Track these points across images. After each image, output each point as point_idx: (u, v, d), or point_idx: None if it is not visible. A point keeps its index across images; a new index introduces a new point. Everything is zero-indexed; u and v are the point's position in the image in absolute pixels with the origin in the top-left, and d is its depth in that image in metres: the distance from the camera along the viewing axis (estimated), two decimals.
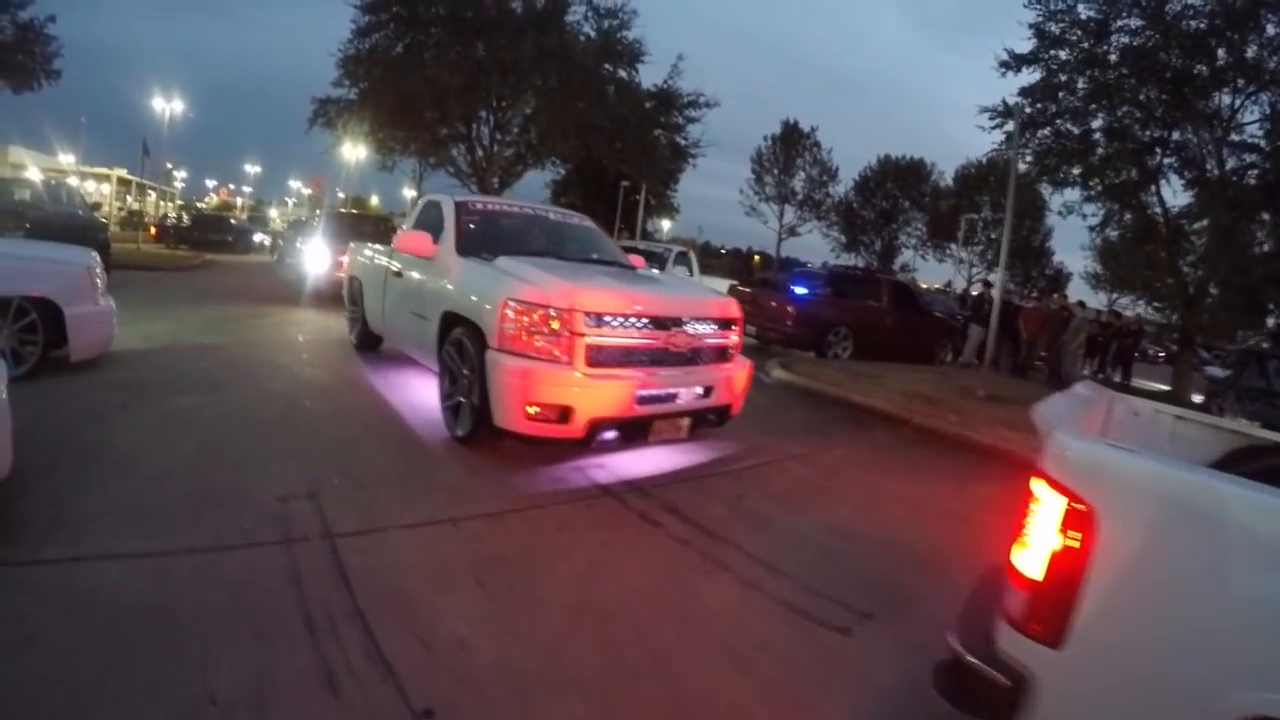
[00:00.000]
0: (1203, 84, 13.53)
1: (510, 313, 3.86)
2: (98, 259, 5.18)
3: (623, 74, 18.15)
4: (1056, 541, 1.46)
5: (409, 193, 44.74)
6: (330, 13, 19.13)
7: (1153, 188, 15.19)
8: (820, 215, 42.97)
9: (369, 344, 6.79)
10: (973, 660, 1.58)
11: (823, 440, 5.74)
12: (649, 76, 19.12)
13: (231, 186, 69.33)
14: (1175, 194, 15.20)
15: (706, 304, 4.60)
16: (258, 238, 26.64)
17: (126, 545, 2.60)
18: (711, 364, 4.51)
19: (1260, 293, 12.86)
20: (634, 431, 4.12)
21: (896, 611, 2.89)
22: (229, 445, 3.78)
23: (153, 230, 23.87)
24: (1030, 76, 14.96)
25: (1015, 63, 14.85)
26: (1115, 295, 38.32)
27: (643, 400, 4.01)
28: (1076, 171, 15.58)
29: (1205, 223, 14.65)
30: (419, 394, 5.31)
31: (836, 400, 7.57)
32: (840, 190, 43.70)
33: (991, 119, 15.82)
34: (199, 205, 50.68)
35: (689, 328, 4.29)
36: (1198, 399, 12.59)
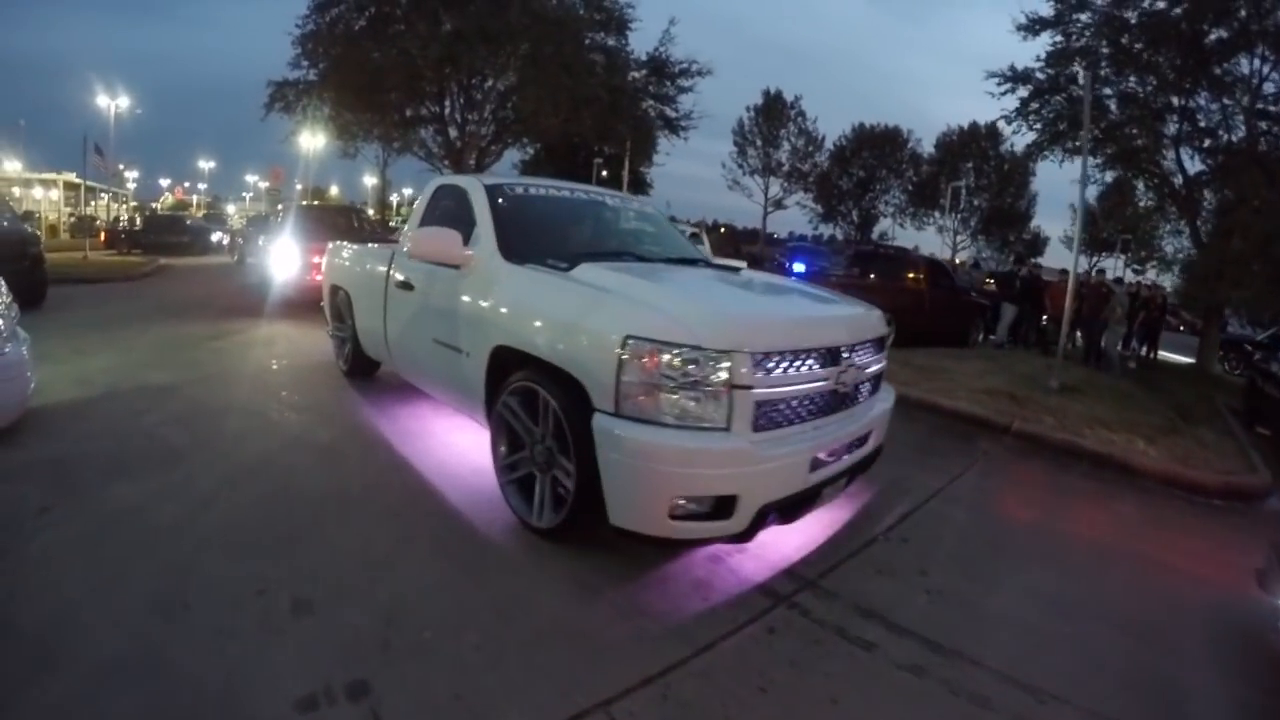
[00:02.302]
0: (1223, 50, 13.10)
1: (637, 359, 2.52)
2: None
3: (612, 42, 16.63)
4: None
5: (370, 180, 42.97)
6: (279, 4, 17.28)
7: (1170, 154, 14.80)
8: (807, 187, 42.20)
9: (362, 370, 5.45)
10: None
11: (940, 461, 5.01)
12: (636, 45, 17.63)
13: (186, 185, 66.35)
14: (1192, 161, 14.76)
15: (866, 320, 3.34)
16: (216, 237, 24.87)
17: None
18: (869, 400, 3.32)
19: None
20: (800, 509, 2.87)
21: None
22: (200, 587, 2.45)
23: (102, 235, 22.04)
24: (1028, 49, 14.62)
25: (1036, 26, 14.50)
26: (1095, 258, 38.52)
27: (815, 465, 2.80)
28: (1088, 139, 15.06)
29: (1226, 193, 14.17)
30: (450, 448, 4.05)
31: (919, 404, 6.68)
32: (824, 160, 43.06)
33: (1000, 84, 15.29)
34: (153, 206, 47.72)
35: (857, 357, 3.08)
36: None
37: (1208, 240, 13.62)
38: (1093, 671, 2.55)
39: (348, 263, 5.54)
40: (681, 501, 2.51)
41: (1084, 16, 14.14)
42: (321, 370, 5.77)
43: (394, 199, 41.73)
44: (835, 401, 2.98)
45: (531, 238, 3.67)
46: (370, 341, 4.99)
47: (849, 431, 3.05)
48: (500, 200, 3.86)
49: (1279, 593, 2.79)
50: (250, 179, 63.10)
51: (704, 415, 2.54)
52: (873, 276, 11.78)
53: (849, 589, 2.87)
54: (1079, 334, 13.20)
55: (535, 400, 2.95)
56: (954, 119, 77.52)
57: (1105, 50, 14.00)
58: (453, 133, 17.69)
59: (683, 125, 18.87)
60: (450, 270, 3.64)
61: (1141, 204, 16.96)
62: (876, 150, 43.09)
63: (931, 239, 42.13)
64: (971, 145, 40.25)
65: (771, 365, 2.66)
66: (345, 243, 5.93)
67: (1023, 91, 15.36)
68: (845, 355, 2.99)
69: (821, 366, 2.88)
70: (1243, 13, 12.56)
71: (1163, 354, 16.02)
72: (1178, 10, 12.84)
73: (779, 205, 42.38)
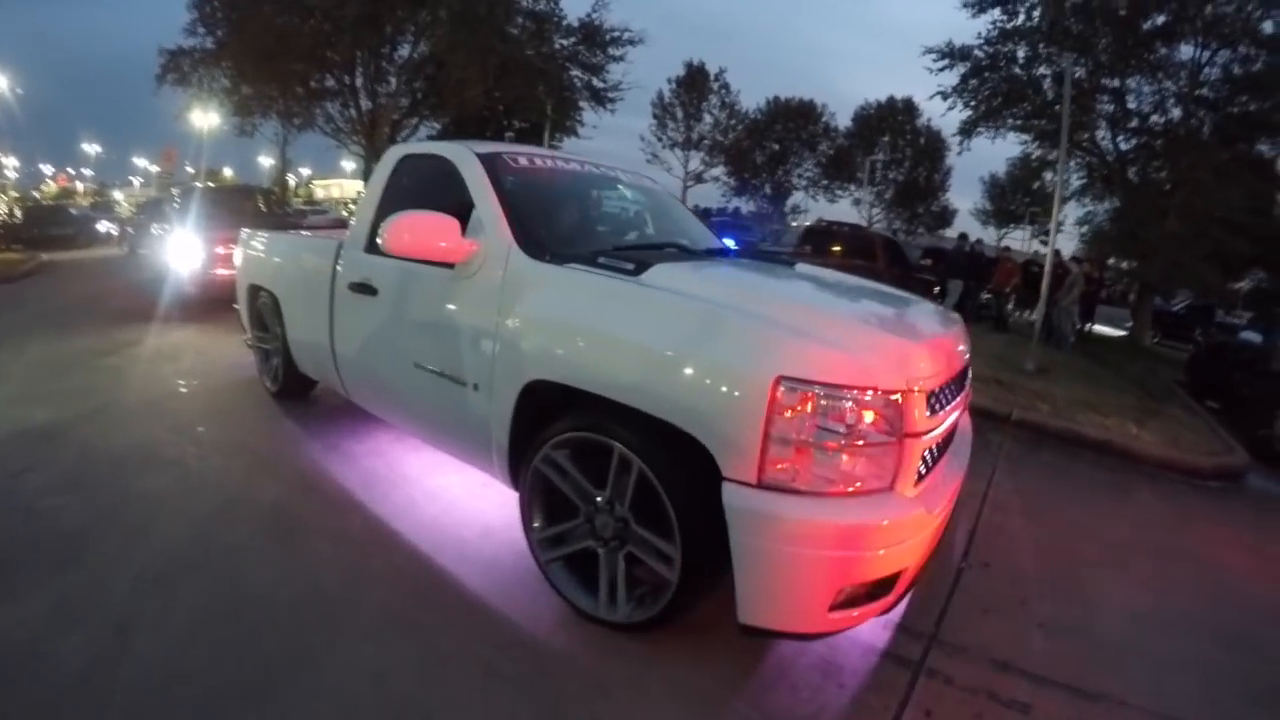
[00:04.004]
0: (1162, 36, 13.65)
1: (795, 409, 1.83)
2: None
3: (542, 5, 15.46)
4: None
5: (267, 161, 39.95)
6: None
7: (1102, 134, 15.39)
8: (729, 160, 41.74)
9: (296, 389, 4.45)
10: None
11: None
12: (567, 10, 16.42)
13: (70, 171, 60.96)
14: (1127, 142, 15.36)
15: (962, 336, 2.74)
16: (104, 227, 22.01)
17: None
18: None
19: (1222, 242, 12.86)
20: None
21: None
22: None
23: None
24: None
25: (980, 3, 14.81)
26: (1004, 229, 40.37)
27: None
28: (1020, 115, 15.74)
29: (1160, 174, 14.76)
30: (439, 500, 3.20)
31: None
32: (740, 133, 42.58)
33: (936, 60, 15.43)
34: (34, 195, 42.58)
35: (966, 383, 2.52)
36: None
37: (1141, 219, 14.02)
38: (1220, 693, 2.55)
39: (272, 257, 4.49)
40: (848, 588, 1.90)
41: None
42: (244, 391, 4.71)
43: (291, 180, 38.80)
44: (950, 434, 2.41)
45: (557, 226, 2.88)
46: (309, 358, 4.01)
47: (960, 464, 2.50)
48: (504, 175, 2.95)
49: None
50: (140, 163, 59.41)
51: (869, 475, 1.90)
52: (826, 254, 11.45)
53: (970, 639, 2.57)
54: (1029, 311, 13.46)
55: (601, 457, 2.19)
56: (869, 93, 79.36)
57: (1044, 30, 14.21)
58: (366, 104, 16.13)
59: (610, 97, 17.90)
60: (439, 270, 2.74)
61: (1069, 181, 17.32)
62: (791, 124, 43.06)
63: (845, 210, 42.77)
64: (888, 119, 40.88)
65: (935, 401, 2.06)
66: (267, 231, 4.89)
67: (961, 68, 15.44)
68: (964, 383, 2.45)
69: (956, 394, 2.33)
70: (1176, 4, 13.03)
71: (1104, 328, 16.63)
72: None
73: (699, 179, 41.87)
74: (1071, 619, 2.85)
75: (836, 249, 11.66)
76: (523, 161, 3.17)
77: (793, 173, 43.79)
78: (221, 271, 7.29)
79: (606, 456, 2.17)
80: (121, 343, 5.99)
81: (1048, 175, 19.86)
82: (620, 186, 3.76)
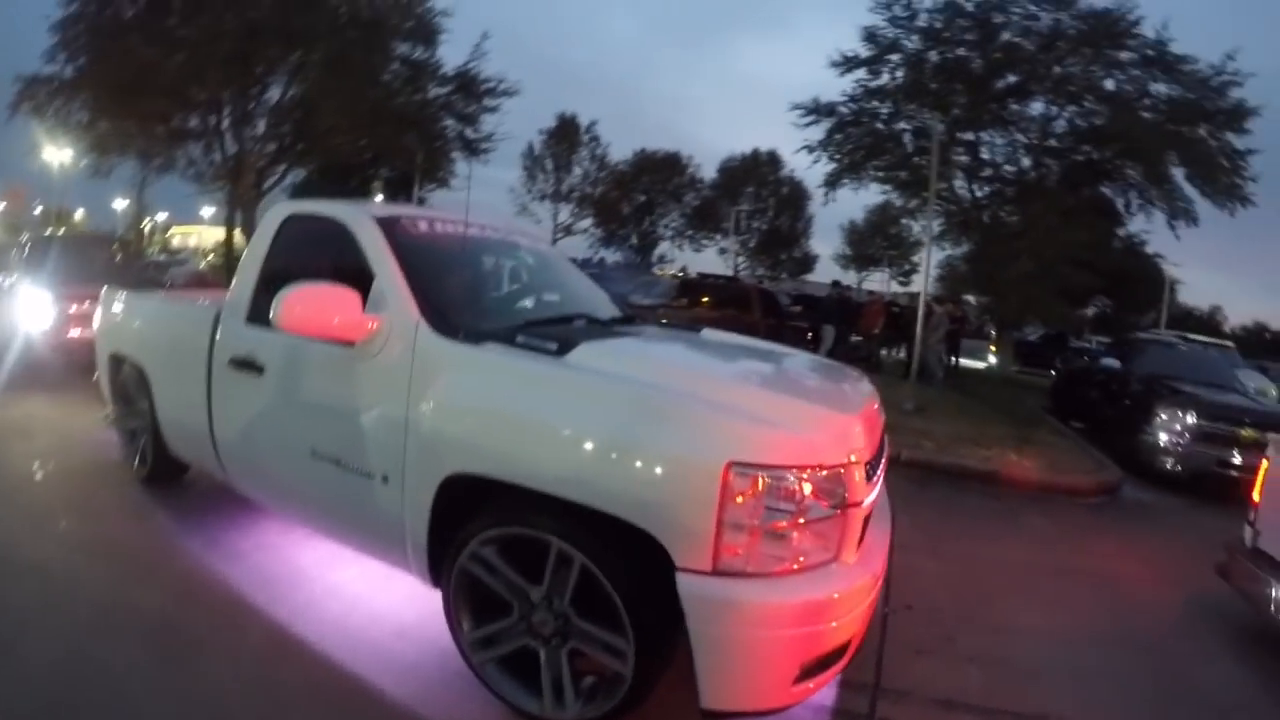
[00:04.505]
0: (1012, 93, 15.29)
1: (746, 493, 1.81)
2: None
3: (418, 53, 15.18)
4: None
5: (121, 203, 36.71)
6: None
7: (960, 183, 16.91)
8: (596, 211, 42.29)
9: (166, 473, 3.96)
10: None
11: None
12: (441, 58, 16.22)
13: None
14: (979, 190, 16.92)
15: (877, 398, 2.85)
16: None
17: None
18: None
19: (1069, 277, 14.46)
20: None
21: None
22: None
23: None
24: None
25: (848, 64, 16.03)
26: (864, 273, 43.22)
27: None
28: (882, 167, 17.09)
29: (1012, 219, 16.28)
30: (341, 596, 2.93)
31: None
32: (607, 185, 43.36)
33: (803, 116, 16.50)
34: None
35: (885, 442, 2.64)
36: None
37: (996, 260, 15.37)
38: (1141, 695, 2.88)
39: (138, 322, 4.08)
40: (807, 662, 1.90)
41: (895, 57, 15.70)
42: (108, 476, 4.16)
43: (146, 224, 35.75)
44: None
45: (465, 299, 2.75)
46: (182, 438, 3.60)
47: (885, 518, 2.64)
48: (407, 242, 2.77)
49: (1245, 580, 3.37)
50: None
51: (817, 549, 1.93)
52: (703, 306, 11.76)
53: (910, 682, 2.67)
54: (900, 350, 14.28)
55: (533, 550, 2.06)
56: (727, 145, 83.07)
57: (905, 89, 15.57)
58: (231, 148, 15.20)
59: (483, 148, 17.80)
60: (336, 349, 2.51)
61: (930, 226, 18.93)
62: (657, 175, 44.15)
63: (711, 259, 44.36)
64: (753, 170, 43.05)
65: (870, 467, 2.13)
66: (131, 292, 4.41)
67: (826, 124, 16.59)
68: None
69: (882, 456, 2.45)
70: (1028, 66, 14.64)
71: (968, 361, 18.00)
72: (976, 61, 14.85)
73: (569, 231, 42.03)
74: (997, 648, 3.05)
75: (711, 300, 11.96)
76: (423, 227, 3.02)
77: (659, 223, 45.02)
78: (75, 332, 6.67)
79: (540, 550, 2.05)
80: None
81: (905, 222, 21.59)
82: (520, 251, 3.66)
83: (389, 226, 2.80)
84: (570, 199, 41.81)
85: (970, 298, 19.05)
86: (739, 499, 1.80)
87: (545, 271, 3.73)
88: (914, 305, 18.02)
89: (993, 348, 20.15)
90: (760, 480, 1.81)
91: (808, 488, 1.87)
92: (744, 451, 1.83)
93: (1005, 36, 15.06)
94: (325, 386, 2.64)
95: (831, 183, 17.54)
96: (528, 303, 3.32)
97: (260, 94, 15.30)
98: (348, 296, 2.43)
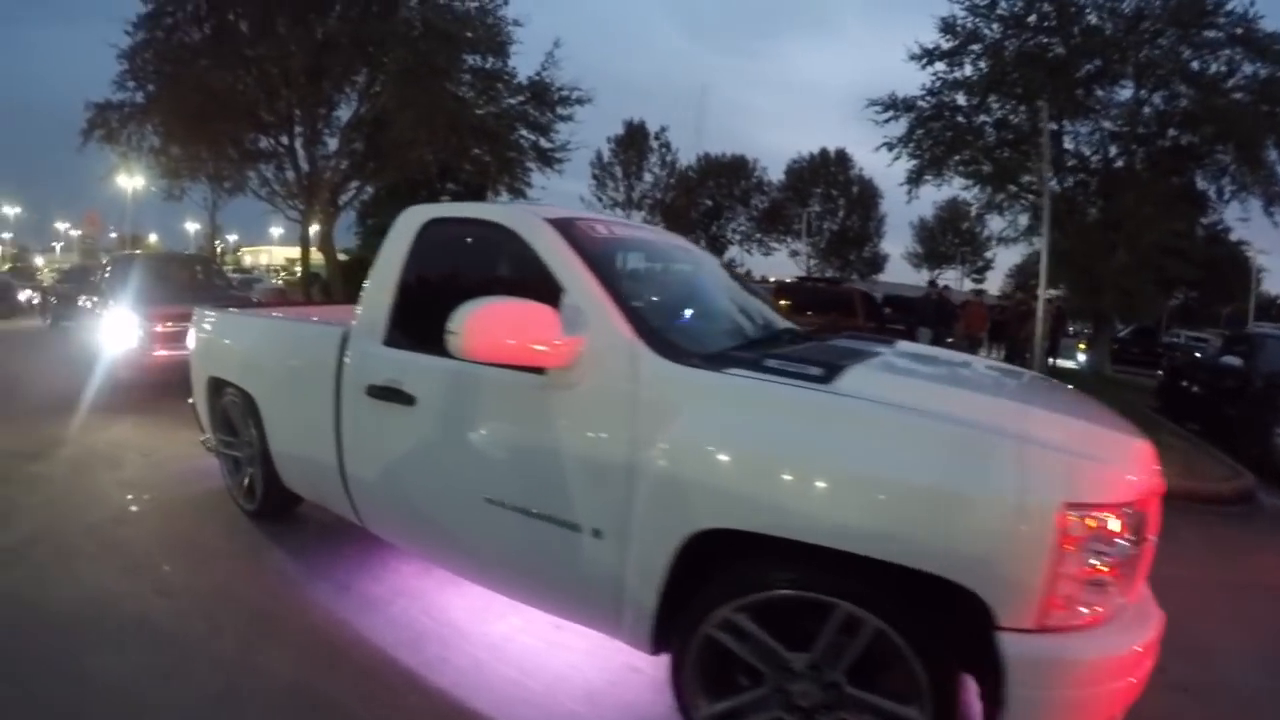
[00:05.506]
0: (1093, 79, 14.52)
1: (1081, 538, 1.54)
2: None
3: (491, 63, 14.99)
4: None
5: (193, 226, 38.11)
6: (106, 29, 14.10)
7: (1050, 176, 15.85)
8: (665, 218, 42.35)
9: (277, 505, 3.60)
10: None
11: None
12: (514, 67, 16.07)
13: None
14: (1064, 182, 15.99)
15: None
16: (24, 296, 19.97)
17: None
18: None
19: (1165, 268, 13.94)
20: None
21: None
22: None
23: None
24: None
25: (929, 56, 15.43)
26: (937, 270, 42.02)
27: None
28: (964, 161, 16.27)
29: (1100, 211, 15.41)
30: (521, 662, 2.47)
31: None
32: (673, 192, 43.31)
33: (880, 112, 16.21)
34: None
35: None
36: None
37: (1090, 254, 14.48)
38: None
39: (242, 345, 3.74)
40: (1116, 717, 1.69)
41: (976, 48, 15.05)
42: (210, 508, 3.82)
43: (218, 246, 37.07)
44: None
45: (671, 314, 2.33)
46: (301, 474, 3.24)
47: None
48: (592, 249, 2.30)
49: None
50: (61, 226, 57.18)
51: (1125, 592, 1.68)
52: (808, 311, 11.34)
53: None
54: (994, 351, 13.65)
55: (810, 617, 1.68)
56: (791, 148, 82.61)
57: (985, 79, 14.87)
58: (304, 166, 15.29)
59: (557, 157, 17.49)
60: (520, 376, 2.07)
61: (1011, 221, 17.86)
62: (723, 179, 44.07)
63: (782, 261, 43.78)
64: (821, 171, 42.34)
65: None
66: (230, 312, 4.11)
67: (905, 119, 15.93)
68: None
69: None
70: (1113, 50, 13.92)
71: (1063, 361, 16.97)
72: (1058, 48, 14.23)
73: None
74: (1204, 676, 2.75)
75: (814, 304, 11.57)
76: (601, 230, 2.55)
77: (726, 227, 44.63)
78: (162, 352, 6.54)
79: (807, 613, 1.68)
80: (48, 441, 5.00)
81: (986, 217, 20.61)
82: (689, 257, 3.23)
83: (567, 230, 2.35)
84: (642, 206, 41.96)
85: (1053, 291, 18.02)
86: (1071, 545, 1.55)
87: (715, 279, 3.25)
88: (1010, 304, 17.20)
89: (1082, 345, 19.03)
90: (1091, 522, 1.57)
91: (1124, 525, 1.62)
92: (1076, 491, 1.57)
93: (1089, 19, 14.36)
94: (506, 422, 2.22)
95: (914, 179, 16.75)
96: (719, 317, 2.79)
97: (329, 111, 15.35)
98: (546, 316, 1.98)
